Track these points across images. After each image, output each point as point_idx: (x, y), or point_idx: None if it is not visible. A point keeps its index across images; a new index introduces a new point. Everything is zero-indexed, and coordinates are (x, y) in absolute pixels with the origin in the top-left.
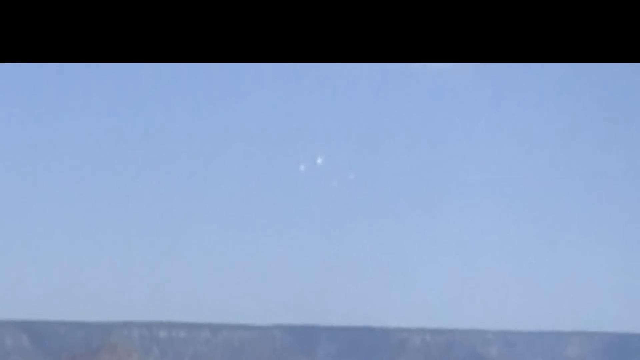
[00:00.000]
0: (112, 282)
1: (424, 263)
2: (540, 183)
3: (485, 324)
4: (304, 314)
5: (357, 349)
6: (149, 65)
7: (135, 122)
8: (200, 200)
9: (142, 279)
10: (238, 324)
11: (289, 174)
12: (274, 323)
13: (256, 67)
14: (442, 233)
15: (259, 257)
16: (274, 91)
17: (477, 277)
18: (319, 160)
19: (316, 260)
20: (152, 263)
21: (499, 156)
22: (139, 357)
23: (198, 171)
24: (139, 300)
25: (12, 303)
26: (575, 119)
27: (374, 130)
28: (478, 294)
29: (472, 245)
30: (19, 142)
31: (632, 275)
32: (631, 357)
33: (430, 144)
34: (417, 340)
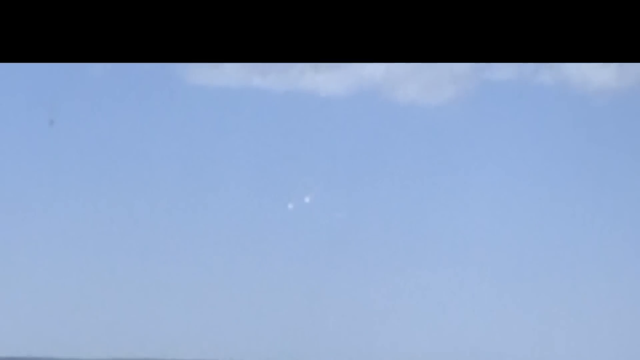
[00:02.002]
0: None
1: (414, 304)
2: (542, 228)
3: None
4: (289, 353)
5: None
6: (129, 100)
7: (121, 158)
8: (185, 237)
9: (131, 316)
10: None
11: (277, 213)
12: None
13: (243, 102)
14: (433, 274)
15: (245, 295)
16: (263, 128)
17: (467, 321)
18: (307, 199)
19: (303, 298)
20: (143, 299)
21: (499, 195)
22: None
23: (182, 208)
24: (126, 339)
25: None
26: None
27: (364, 168)
28: (471, 338)
29: (463, 289)
30: None
31: None
32: None
33: (423, 182)
34: None
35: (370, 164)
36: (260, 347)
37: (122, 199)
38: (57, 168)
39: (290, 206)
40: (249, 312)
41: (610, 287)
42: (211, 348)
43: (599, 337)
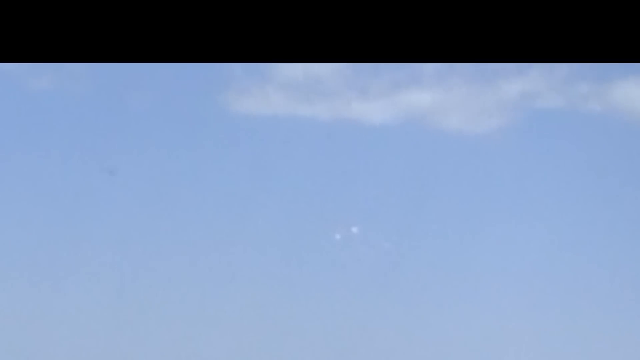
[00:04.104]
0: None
1: (460, 339)
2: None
3: None
4: None
5: None
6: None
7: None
8: (231, 268)
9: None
10: None
11: (324, 243)
12: None
13: (289, 131)
14: (482, 306)
15: (291, 325)
16: (309, 156)
17: (518, 356)
18: (354, 229)
19: (349, 329)
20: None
21: (548, 226)
22: None
23: (225, 237)
24: None
25: None
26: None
27: (411, 196)
28: None
29: (513, 323)
30: None
31: None
32: None
33: (470, 212)
34: None
35: (417, 193)
36: None
37: (165, 225)
38: (98, 202)
39: (337, 236)
40: (296, 343)
41: None
42: None
43: None
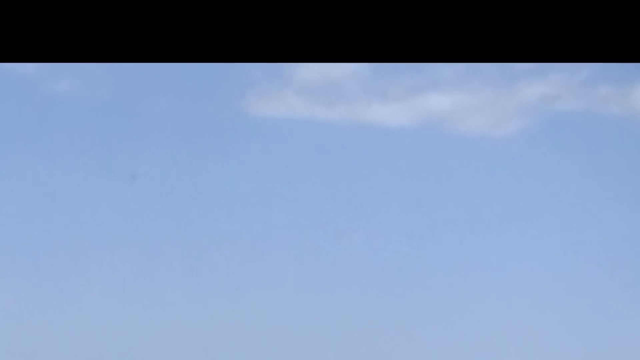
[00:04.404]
0: None
1: (477, 344)
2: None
3: None
4: None
5: None
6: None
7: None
8: (247, 267)
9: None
10: None
11: (342, 245)
12: None
13: (308, 134)
14: (497, 314)
15: (304, 325)
16: (327, 159)
17: None
18: (373, 232)
19: (365, 332)
20: (214, 339)
21: (569, 231)
22: None
23: (242, 239)
24: None
25: None
26: None
27: (429, 199)
28: None
29: (533, 329)
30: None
31: None
32: None
33: (489, 215)
34: None
35: (436, 196)
36: None
37: (182, 227)
38: (117, 205)
39: (356, 239)
40: (310, 343)
41: None
42: None
43: None
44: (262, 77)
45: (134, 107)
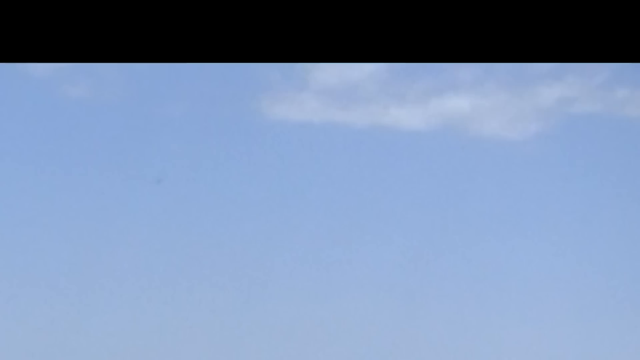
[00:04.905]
0: None
1: (490, 348)
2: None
3: None
4: None
5: None
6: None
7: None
8: (264, 271)
9: None
10: None
11: (360, 248)
12: None
13: (325, 137)
14: (514, 317)
15: (316, 327)
16: (345, 162)
17: None
18: (389, 236)
19: (384, 338)
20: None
21: (589, 236)
22: None
23: (259, 243)
24: None
25: None
26: None
27: (447, 202)
28: None
29: (545, 337)
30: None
31: None
32: None
33: (507, 217)
34: None
35: (454, 198)
36: None
37: (200, 232)
38: (132, 208)
39: (373, 243)
40: (319, 344)
41: None
42: None
43: None
44: (278, 80)
45: (149, 110)
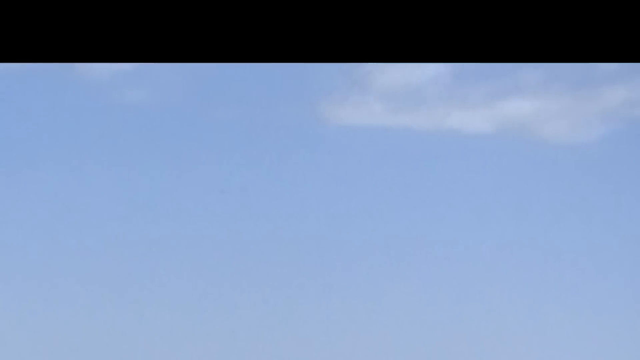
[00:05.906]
0: None
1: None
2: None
3: None
4: None
5: None
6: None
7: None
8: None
9: None
10: None
11: (425, 246)
12: None
13: (389, 141)
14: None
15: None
16: (409, 167)
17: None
18: (452, 240)
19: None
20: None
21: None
22: None
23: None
24: None
25: None
26: None
27: (509, 206)
28: None
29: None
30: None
31: None
32: None
33: (570, 221)
34: None
35: (518, 202)
36: None
37: (257, 239)
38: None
39: (436, 247)
40: (321, 345)
41: None
42: None
43: None
44: (339, 84)
45: (207, 114)
